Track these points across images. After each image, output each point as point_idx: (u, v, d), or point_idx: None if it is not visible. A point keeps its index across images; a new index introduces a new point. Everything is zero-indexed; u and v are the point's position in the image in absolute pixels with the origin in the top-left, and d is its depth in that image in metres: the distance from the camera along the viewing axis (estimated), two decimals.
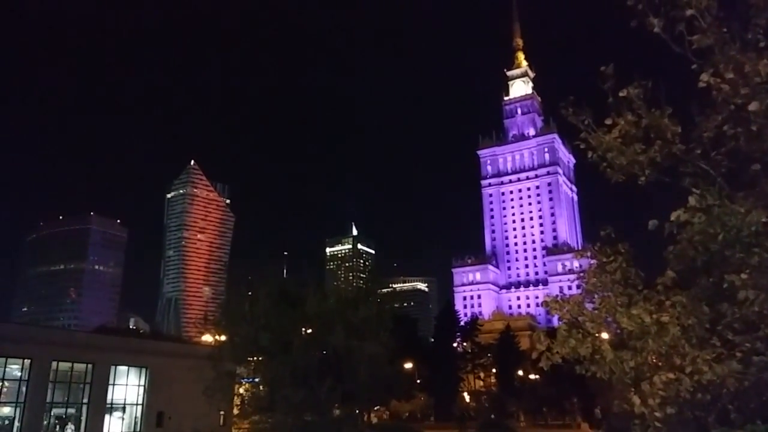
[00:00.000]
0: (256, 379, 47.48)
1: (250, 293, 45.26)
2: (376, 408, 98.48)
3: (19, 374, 54.82)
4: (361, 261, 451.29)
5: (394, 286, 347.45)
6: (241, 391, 54.56)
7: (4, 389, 54.78)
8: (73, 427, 57.70)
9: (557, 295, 13.28)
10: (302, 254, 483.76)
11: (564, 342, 11.92)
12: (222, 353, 43.08)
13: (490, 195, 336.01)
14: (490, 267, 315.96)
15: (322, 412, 40.40)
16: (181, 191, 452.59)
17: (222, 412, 63.87)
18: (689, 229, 10.86)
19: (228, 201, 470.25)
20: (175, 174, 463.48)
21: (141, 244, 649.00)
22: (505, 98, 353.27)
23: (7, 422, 53.81)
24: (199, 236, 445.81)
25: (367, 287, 50.28)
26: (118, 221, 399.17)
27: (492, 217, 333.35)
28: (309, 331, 43.62)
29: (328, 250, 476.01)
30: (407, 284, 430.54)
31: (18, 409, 53.61)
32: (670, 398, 10.78)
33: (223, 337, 47.81)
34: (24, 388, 53.88)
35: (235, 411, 62.87)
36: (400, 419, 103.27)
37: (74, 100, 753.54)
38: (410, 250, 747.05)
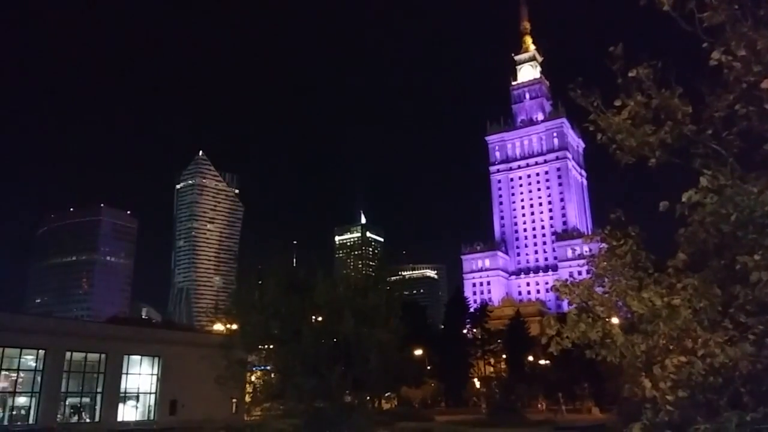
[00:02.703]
0: (268, 367, 47.82)
1: (260, 282, 45.42)
2: (386, 395, 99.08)
3: (34, 365, 55.60)
4: (370, 249, 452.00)
5: (403, 273, 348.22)
6: (253, 378, 55.04)
7: (20, 379, 55.64)
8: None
9: (566, 280, 13.18)
10: (311, 243, 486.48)
11: (574, 326, 11.82)
12: (233, 342, 43.35)
13: (499, 181, 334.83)
14: (500, 253, 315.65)
15: (333, 399, 40.62)
16: (190, 182, 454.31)
17: (234, 400, 64.52)
18: (701, 211, 10.70)
19: (237, 191, 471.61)
20: (183, 165, 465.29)
21: (151, 234, 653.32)
22: (513, 83, 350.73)
23: (23, 411, 54.71)
24: (208, 226, 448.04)
25: (376, 275, 50.26)
26: (128, 212, 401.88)
27: (501, 203, 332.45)
28: (319, 319, 43.76)
29: (337, 238, 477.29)
30: (416, 272, 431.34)
31: (34, 399, 54.50)
32: (681, 382, 10.69)
33: (234, 326, 48.10)
34: (39, 378, 54.68)
35: (247, 398, 63.54)
36: (411, 406, 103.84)
37: (82, 91, 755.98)
38: (419, 237, 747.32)
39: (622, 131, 11.63)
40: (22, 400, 55.42)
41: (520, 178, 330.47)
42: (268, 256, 49.61)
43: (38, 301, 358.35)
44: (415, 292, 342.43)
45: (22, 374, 55.74)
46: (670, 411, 10.71)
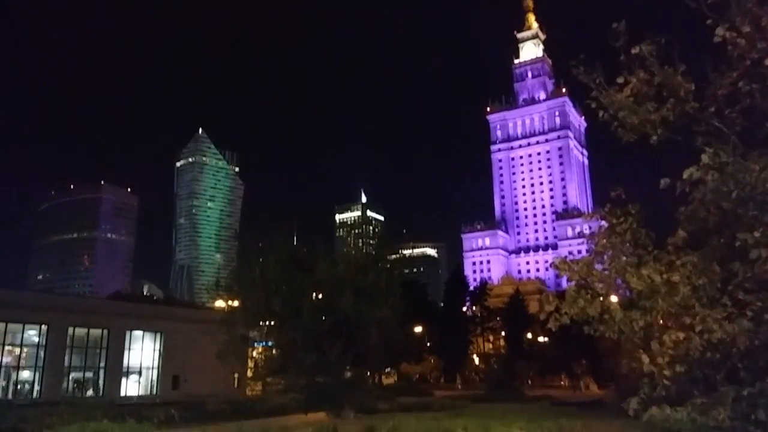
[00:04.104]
0: (269, 343, 48.28)
1: (261, 259, 45.57)
2: (387, 370, 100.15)
3: (37, 340, 56.14)
4: (371, 228, 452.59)
5: (403, 251, 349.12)
6: (255, 354, 55.56)
7: (23, 354, 56.22)
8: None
9: (566, 257, 13.27)
10: (312, 221, 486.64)
11: (573, 302, 11.95)
12: (235, 318, 43.68)
13: (500, 160, 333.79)
14: (500, 232, 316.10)
15: (334, 374, 41.09)
16: (190, 159, 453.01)
17: (236, 375, 65.29)
18: (702, 188, 10.73)
19: (237, 169, 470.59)
20: (183, 142, 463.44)
21: (152, 212, 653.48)
22: (516, 61, 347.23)
23: (27, 386, 55.39)
24: (209, 204, 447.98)
25: (376, 253, 50.47)
26: (129, 190, 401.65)
27: (502, 182, 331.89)
28: (320, 296, 44.05)
29: (337, 217, 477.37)
30: (416, 250, 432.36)
31: (37, 373, 55.10)
32: (679, 357, 10.84)
33: (235, 303, 48.42)
34: (42, 353, 55.23)
35: (249, 374, 64.28)
36: (411, 381, 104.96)
37: (81, 68, 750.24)
38: (419, 216, 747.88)
39: (625, 108, 11.59)
40: (25, 375, 56.08)
41: (521, 157, 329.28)
42: (269, 233, 49.63)
43: (40, 277, 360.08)
44: (415, 270, 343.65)
45: (25, 349, 56.29)
46: (668, 386, 10.87)
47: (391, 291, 44.57)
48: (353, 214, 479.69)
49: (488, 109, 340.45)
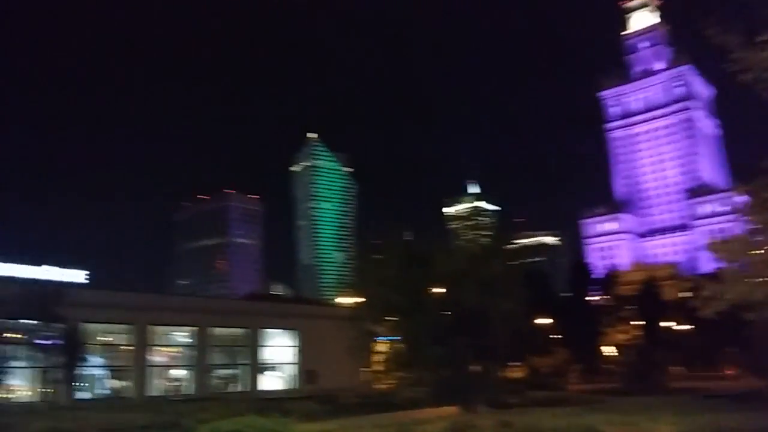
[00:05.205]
0: (395, 338, 49.14)
1: (379, 256, 46.38)
2: (514, 364, 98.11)
3: (185, 340, 61.61)
4: (485, 218, 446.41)
5: (520, 241, 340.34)
6: (381, 349, 56.83)
7: (175, 354, 61.97)
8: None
9: (718, 238, 12.24)
10: (422, 214, 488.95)
11: (734, 286, 11.02)
12: (360, 314, 44.89)
13: (618, 138, 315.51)
14: (624, 215, 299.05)
15: (459, 367, 41.04)
16: (305, 164, 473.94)
17: (364, 369, 67.25)
18: None
19: (350, 169, 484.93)
20: (297, 147, 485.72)
21: (274, 216, 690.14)
22: (625, 32, 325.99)
23: (181, 383, 60.97)
24: (325, 205, 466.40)
25: (493, 244, 49.60)
26: (255, 196, 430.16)
27: (621, 162, 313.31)
28: (440, 290, 44.14)
29: (449, 209, 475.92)
30: (534, 239, 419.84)
31: (188, 372, 60.56)
32: None
33: (359, 299, 49.76)
34: (191, 353, 60.53)
35: (376, 368, 65.90)
36: (540, 375, 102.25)
37: (180, 85, 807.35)
38: (532, 204, 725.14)
39: None
40: (179, 373, 61.62)
41: (642, 133, 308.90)
42: (384, 230, 50.40)
43: (181, 282, 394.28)
44: (534, 260, 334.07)
45: (176, 349, 61.96)
46: None
47: (513, 282, 43.69)
48: (465, 206, 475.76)
49: (599, 85, 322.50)
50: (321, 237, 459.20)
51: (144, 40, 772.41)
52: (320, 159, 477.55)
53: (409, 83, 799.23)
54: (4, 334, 45.64)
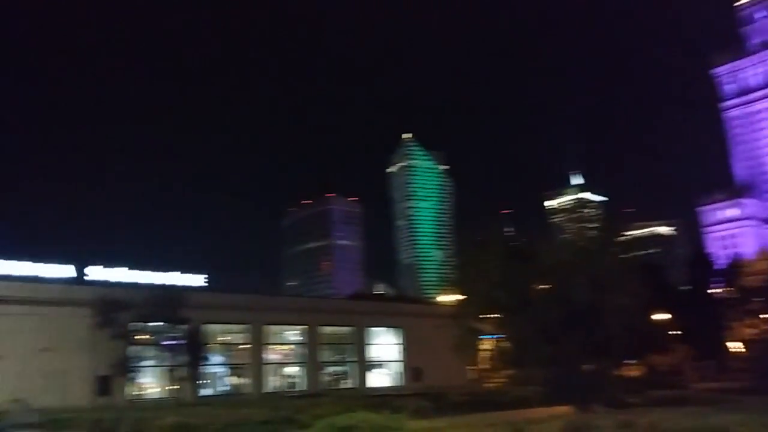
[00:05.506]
0: (501, 336, 48.26)
1: (479, 252, 45.66)
2: (632, 362, 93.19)
3: (296, 338, 64.33)
4: (591, 210, 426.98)
5: (632, 232, 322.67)
6: (487, 346, 56.04)
7: (287, 352, 64.87)
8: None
9: None
10: (525, 209, 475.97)
11: None
12: (463, 311, 44.49)
13: (736, 117, 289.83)
14: (746, 200, 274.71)
15: (571, 366, 39.61)
16: (401, 164, 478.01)
17: (470, 367, 66.76)
18: None
19: (445, 167, 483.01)
20: (392, 148, 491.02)
21: (373, 217, 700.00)
22: (738, 2, 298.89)
23: (294, 380, 63.66)
24: (423, 204, 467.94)
25: (602, 236, 47.40)
26: (355, 199, 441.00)
27: (741, 143, 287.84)
28: (547, 286, 42.83)
29: (551, 202, 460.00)
30: (646, 229, 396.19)
31: (300, 369, 63.12)
32: None
33: (461, 297, 49.36)
34: (302, 350, 63.09)
35: (482, 366, 65.16)
36: (660, 373, 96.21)
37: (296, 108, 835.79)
38: (644, 193, 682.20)
39: None
40: (291, 370, 64.38)
41: (761, 111, 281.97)
42: (484, 225, 49.54)
43: (290, 284, 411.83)
44: (647, 252, 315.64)
45: (288, 347, 64.82)
46: None
47: (626, 275, 41.50)
48: (569, 198, 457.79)
49: (711, 61, 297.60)
50: (420, 236, 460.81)
51: (246, 48, 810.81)
52: (416, 158, 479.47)
53: (501, 73, 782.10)
54: (136, 336, 49.97)
